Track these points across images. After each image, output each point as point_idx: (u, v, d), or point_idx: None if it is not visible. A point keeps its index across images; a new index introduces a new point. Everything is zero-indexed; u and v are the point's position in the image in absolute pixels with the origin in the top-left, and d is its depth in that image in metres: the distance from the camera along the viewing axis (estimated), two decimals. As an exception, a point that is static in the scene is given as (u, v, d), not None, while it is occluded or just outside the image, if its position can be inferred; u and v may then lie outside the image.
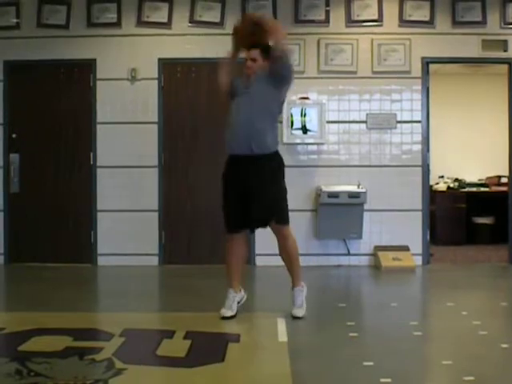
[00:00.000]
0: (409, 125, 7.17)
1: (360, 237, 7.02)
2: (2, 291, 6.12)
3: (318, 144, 7.15)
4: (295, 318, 4.46)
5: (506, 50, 7.12)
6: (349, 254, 7.11)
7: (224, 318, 4.44)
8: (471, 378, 3.17)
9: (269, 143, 4.47)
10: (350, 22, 7.12)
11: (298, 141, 7.11)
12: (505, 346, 3.78)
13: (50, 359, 3.42)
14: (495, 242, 8.54)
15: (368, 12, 7.11)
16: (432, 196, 8.17)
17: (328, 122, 7.12)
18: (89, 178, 7.15)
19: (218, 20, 7.06)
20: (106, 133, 7.13)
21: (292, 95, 6.73)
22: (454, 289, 5.87)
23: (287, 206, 4.55)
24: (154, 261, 7.11)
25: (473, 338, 4.05)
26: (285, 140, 6.94)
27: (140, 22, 7.13)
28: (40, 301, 5.20)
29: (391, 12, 7.11)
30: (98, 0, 7.11)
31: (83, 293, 5.68)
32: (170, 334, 4.03)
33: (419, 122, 7.15)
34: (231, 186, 4.50)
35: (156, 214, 7.12)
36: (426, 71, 7.16)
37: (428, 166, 7.24)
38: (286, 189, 4.56)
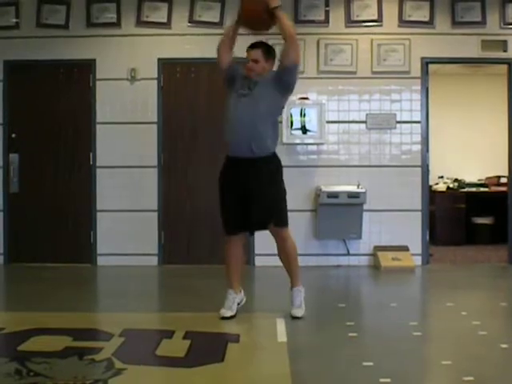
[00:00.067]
0: (408, 125, 7.17)
1: (359, 237, 7.02)
2: (2, 291, 6.12)
3: (317, 144, 7.15)
4: (294, 318, 4.46)
5: (505, 51, 7.12)
6: (348, 254, 7.11)
7: (223, 318, 4.44)
8: (471, 378, 3.17)
9: (269, 145, 4.47)
10: (350, 22, 7.12)
11: (298, 141, 7.11)
12: (504, 346, 3.78)
13: (50, 359, 3.42)
14: (495, 242, 8.54)
15: (368, 12, 7.11)
16: (431, 196, 8.17)
17: (328, 122, 7.12)
18: (88, 178, 7.15)
19: (217, 20, 7.06)
20: (105, 133, 7.13)
21: (291, 95, 6.68)
22: (453, 289, 5.87)
23: (286, 207, 4.54)
24: (154, 261, 7.11)
25: (472, 338, 4.05)
26: (284, 140, 6.93)
27: (139, 22, 7.13)
28: (39, 301, 5.20)
29: (391, 12, 7.11)
30: (97, 0, 7.11)
31: (83, 293, 5.68)
32: (169, 334, 4.03)
33: (419, 122, 7.16)
34: (230, 189, 4.48)
35: (155, 214, 7.12)
36: (425, 71, 7.16)
37: (427, 166, 7.24)
38: (285, 190, 4.56)
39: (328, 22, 7.13)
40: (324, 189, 6.91)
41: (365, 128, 7.16)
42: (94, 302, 5.44)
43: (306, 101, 7.06)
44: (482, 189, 9.44)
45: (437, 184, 9.44)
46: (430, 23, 7.10)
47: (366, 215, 6.98)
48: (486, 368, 3.41)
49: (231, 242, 4.57)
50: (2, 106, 7.17)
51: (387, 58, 7.12)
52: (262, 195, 4.39)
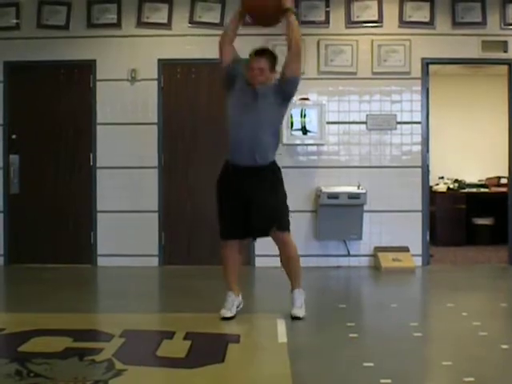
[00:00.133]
0: (409, 126, 7.17)
1: (360, 238, 7.02)
2: (2, 292, 6.12)
3: (317, 145, 7.15)
4: (295, 318, 4.45)
5: (505, 51, 7.12)
6: (349, 254, 7.11)
7: (224, 318, 4.44)
8: (471, 378, 3.17)
9: (271, 154, 4.50)
10: (350, 22, 7.12)
11: (298, 142, 7.11)
12: (505, 346, 3.78)
13: (50, 360, 3.42)
14: (495, 242, 8.53)
15: (368, 13, 7.11)
16: (432, 197, 8.16)
17: (328, 122, 7.12)
18: (89, 178, 7.15)
19: (217, 21, 7.05)
20: (105, 134, 7.13)
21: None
22: (453, 290, 5.87)
23: (288, 212, 4.55)
24: (154, 262, 7.11)
25: (473, 338, 4.05)
26: (285, 141, 6.93)
27: (140, 23, 7.13)
28: (40, 301, 5.20)
29: (391, 13, 7.11)
30: (98, 1, 7.11)
31: (83, 294, 5.68)
32: (169, 335, 4.03)
33: (419, 122, 7.15)
34: (231, 196, 4.48)
35: (156, 214, 7.12)
36: (425, 72, 7.16)
37: (428, 166, 7.24)
38: (285, 194, 4.56)
39: (328, 23, 7.13)
40: (324, 189, 6.91)
41: (365, 129, 7.16)
42: (94, 303, 5.44)
43: (306, 101, 7.05)
44: (482, 189, 9.44)
45: (437, 185, 9.44)
46: (430, 24, 7.10)
47: (366, 216, 6.98)
48: (487, 369, 3.40)
49: (227, 246, 4.58)
50: (2, 107, 7.17)
51: (387, 59, 7.12)
52: (263, 204, 4.41)
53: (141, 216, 7.10)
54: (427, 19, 7.10)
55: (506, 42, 7.12)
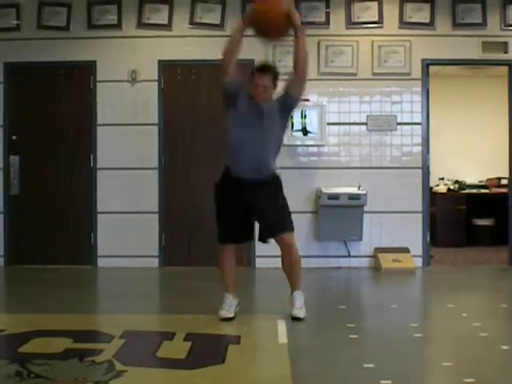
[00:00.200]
0: (409, 127, 7.17)
1: (360, 239, 7.02)
2: (2, 293, 6.11)
3: (318, 146, 7.15)
4: (295, 318, 4.45)
5: (506, 52, 7.13)
6: (349, 255, 7.11)
7: (223, 319, 4.44)
8: (471, 379, 3.17)
9: (274, 166, 4.55)
10: (351, 23, 7.13)
11: (299, 142, 7.11)
12: (505, 347, 3.78)
13: (50, 361, 3.42)
14: (495, 243, 8.53)
15: (368, 14, 7.12)
16: (432, 198, 8.16)
17: (328, 123, 7.12)
18: (89, 179, 7.15)
19: (218, 22, 7.06)
20: (106, 135, 7.13)
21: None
22: (454, 290, 5.86)
23: (290, 214, 4.56)
24: (154, 263, 7.11)
25: (473, 339, 4.05)
26: (285, 142, 6.88)
27: (140, 24, 7.14)
28: (40, 302, 5.20)
29: (391, 14, 7.12)
30: (98, 2, 7.11)
31: (83, 294, 5.68)
32: (170, 336, 4.02)
33: (419, 123, 7.16)
34: (231, 200, 4.48)
35: (156, 215, 7.12)
36: (426, 73, 7.16)
37: (428, 167, 7.24)
38: (285, 198, 4.57)
39: (329, 24, 7.13)
40: (325, 190, 6.91)
41: (365, 130, 7.17)
42: (94, 304, 5.44)
43: (306, 102, 7.05)
44: (482, 190, 9.44)
45: (437, 185, 9.44)
46: (430, 25, 7.10)
47: (366, 217, 6.98)
48: (487, 369, 3.40)
49: (225, 250, 4.58)
50: (2, 108, 7.17)
51: (388, 60, 7.12)
52: (266, 213, 4.45)
53: (141, 217, 7.11)
54: (427, 20, 7.10)
55: (506, 43, 7.12)
